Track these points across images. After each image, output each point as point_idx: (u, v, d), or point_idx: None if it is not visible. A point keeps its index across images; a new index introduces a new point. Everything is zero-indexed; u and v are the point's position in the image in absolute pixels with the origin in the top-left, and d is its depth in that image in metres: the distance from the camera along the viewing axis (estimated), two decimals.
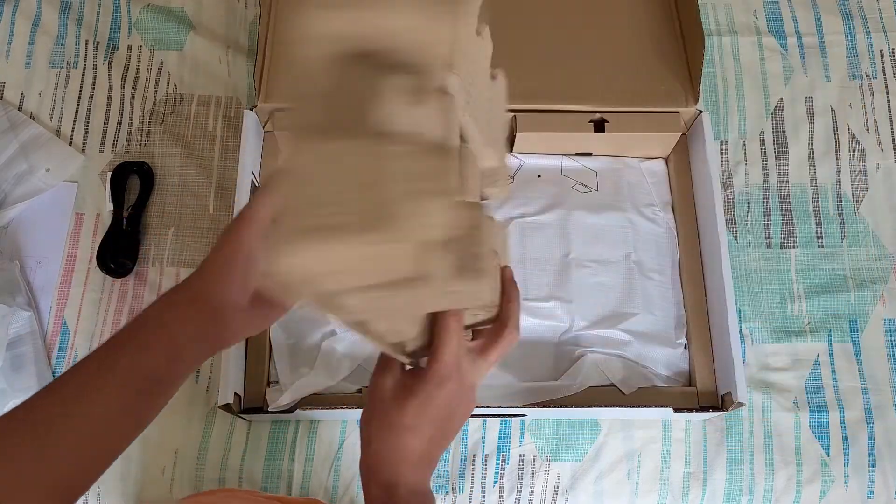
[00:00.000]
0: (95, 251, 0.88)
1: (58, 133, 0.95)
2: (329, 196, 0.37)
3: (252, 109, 0.84)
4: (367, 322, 0.43)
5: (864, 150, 0.95)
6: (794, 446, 0.83)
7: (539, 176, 0.89)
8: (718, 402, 0.78)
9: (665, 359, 0.81)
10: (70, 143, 0.94)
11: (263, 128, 0.86)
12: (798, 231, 0.91)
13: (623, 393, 0.79)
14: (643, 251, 0.86)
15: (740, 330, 0.86)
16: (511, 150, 0.90)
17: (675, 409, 0.76)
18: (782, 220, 0.92)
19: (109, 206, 0.90)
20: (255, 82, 0.84)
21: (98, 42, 0.99)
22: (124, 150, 0.94)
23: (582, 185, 0.89)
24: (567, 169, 0.90)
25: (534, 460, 0.82)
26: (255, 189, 0.84)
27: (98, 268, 0.88)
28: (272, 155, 0.86)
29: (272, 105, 0.85)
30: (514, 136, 0.86)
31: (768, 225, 0.92)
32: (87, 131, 0.95)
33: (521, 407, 0.77)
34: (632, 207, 0.87)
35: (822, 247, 0.91)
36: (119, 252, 0.88)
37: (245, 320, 0.48)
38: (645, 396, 0.79)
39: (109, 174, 0.91)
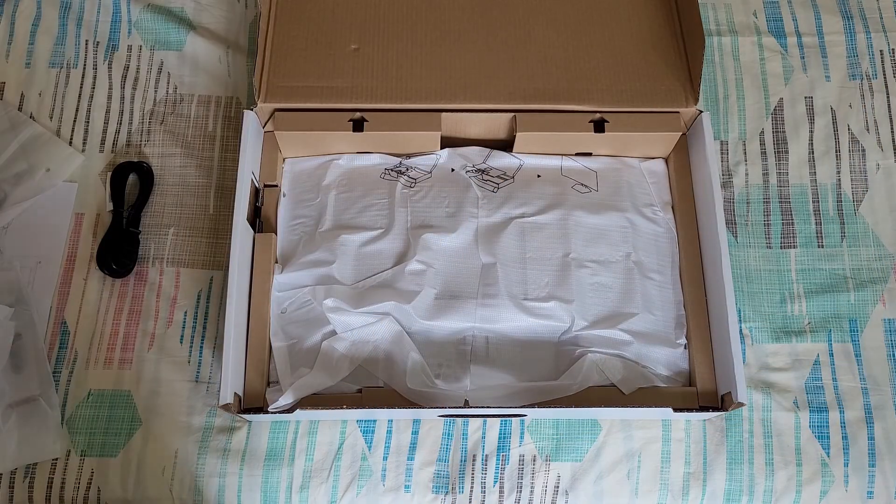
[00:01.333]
0: (95, 251, 0.88)
1: (58, 133, 0.95)
2: None
3: (252, 109, 0.84)
4: None
5: (864, 150, 0.95)
6: (794, 446, 0.83)
7: (539, 176, 0.89)
8: (718, 402, 0.78)
9: (665, 359, 0.81)
10: (70, 143, 0.94)
11: (263, 128, 0.86)
12: (798, 231, 0.91)
13: (623, 393, 0.79)
14: (643, 251, 0.86)
15: (740, 330, 0.86)
16: (511, 150, 0.90)
17: (675, 409, 0.76)
18: (782, 220, 0.92)
19: (109, 206, 0.90)
20: (255, 82, 0.84)
21: (98, 42, 0.99)
22: (124, 150, 0.94)
23: (582, 185, 0.89)
24: (567, 169, 0.90)
25: (534, 460, 0.82)
26: (255, 189, 0.84)
27: (98, 268, 0.88)
28: (272, 155, 0.86)
29: (272, 105, 0.85)
30: (515, 136, 0.86)
31: (768, 225, 0.92)
32: (87, 131, 0.95)
33: (522, 407, 0.77)
34: (632, 207, 0.87)
35: (822, 247, 0.91)
36: (119, 252, 0.88)
37: None
38: (645, 396, 0.79)
39: (109, 174, 0.91)
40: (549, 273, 0.84)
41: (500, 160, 0.90)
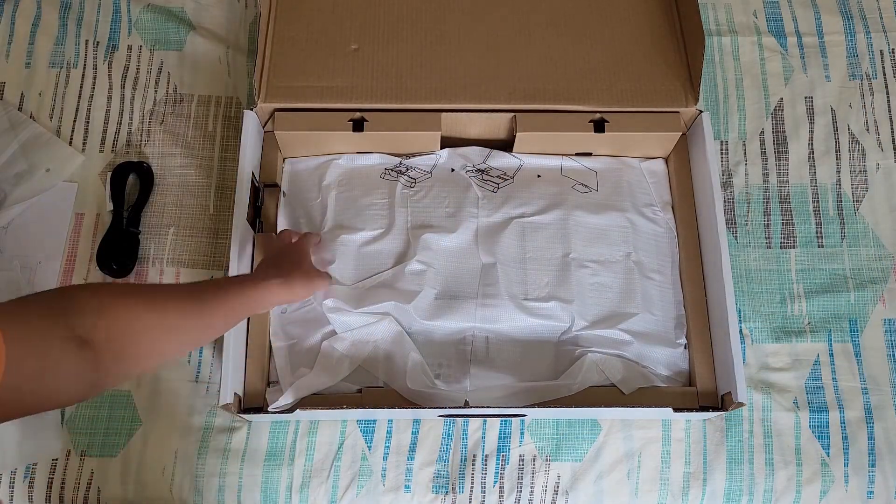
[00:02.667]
0: (95, 251, 0.88)
1: (58, 133, 0.95)
2: None
3: (252, 109, 0.84)
4: None
5: (863, 150, 0.95)
6: (794, 446, 0.83)
7: (539, 176, 0.89)
8: (718, 402, 0.78)
9: (665, 359, 0.81)
10: (70, 143, 0.94)
11: (263, 128, 0.86)
12: (798, 231, 0.91)
13: (623, 393, 0.79)
14: (643, 251, 0.86)
15: (740, 330, 0.86)
16: (511, 150, 0.90)
17: (676, 409, 0.76)
18: (782, 220, 0.92)
19: (109, 206, 0.90)
20: (255, 82, 0.84)
21: (98, 42, 0.99)
22: (124, 150, 0.94)
23: (582, 185, 0.89)
24: (567, 169, 0.90)
25: (534, 460, 0.82)
26: (255, 189, 0.84)
27: (98, 268, 0.88)
28: (272, 155, 0.86)
29: (272, 105, 0.85)
30: (515, 136, 0.86)
31: (768, 225, 0.92)
32: (87, 131, 0.95)
33: (522, 407, 0.77)
34: (632, 207, 0.87)
35: (822, 247, 0.91)
36: (119, 252, 0.88)
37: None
38: (645, 396, 0.79)
39: (109, 174, 0.91)
40: (549, 273, 0.84)
41: (500, 160, 0.89)
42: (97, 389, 0.51)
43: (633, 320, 0.82)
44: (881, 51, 1.00)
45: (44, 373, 0.46)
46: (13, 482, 0.80)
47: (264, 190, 0.86)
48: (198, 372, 0.85)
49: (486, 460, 0.82)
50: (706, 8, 1.02)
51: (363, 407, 0.76)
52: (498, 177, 0.89)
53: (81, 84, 0.97)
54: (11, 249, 0.88)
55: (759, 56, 0.99)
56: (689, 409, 0.77)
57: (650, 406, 0.78)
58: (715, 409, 0.77)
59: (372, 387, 0.79)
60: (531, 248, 0.85)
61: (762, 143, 0.95)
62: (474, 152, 0.90)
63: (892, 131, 0.96)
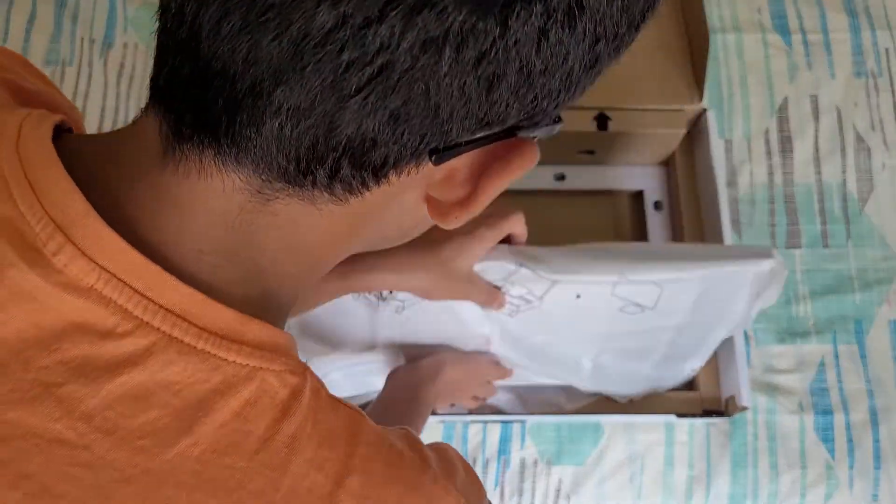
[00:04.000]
0: None
1: None
2: None
3: None
4: None
5: (869, 149, 0.94)
6: (799, 449, 0.82)
7: (579, 296, 0.63)
8: (722, 405, 0.77)
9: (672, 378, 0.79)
10: None
11: None
12: (803, 231, 0.90)
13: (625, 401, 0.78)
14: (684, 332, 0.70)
15: (745, 332, 0.85)
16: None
17: (679, 415, 0.75)
18: (787, 219, 0.91)
19: None
20: None
21: (93, 39, 0.98)
22: None
23: (635, 304, 0.65)
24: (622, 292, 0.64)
25: (535, 464, 0.81)
26: None
27: None
28: None
29: None
30: None
31: (773, 225, 0.91)
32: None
33: (522, 414, 0.76)
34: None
35: (828, 247, 0.90)
36: None
37: None
38: (647, 403, 0.77)
39: None
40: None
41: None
42: None
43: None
44: (887, 48, 0.99)
45: None
46: None
47: None
48: None
49: (487, 464, 0.81)
50: (710, 4, 1.01)
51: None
52: (519, 298, 0.63)
53: (77, 82, 0.96)
54: None
55: (764, 53, 0.98)
56: (693, 415, 0.76)
57: (653, 412, 0.77)
58: (719, 413, 0.76)
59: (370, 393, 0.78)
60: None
61: (767, 141, 0.94)
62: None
63: None
